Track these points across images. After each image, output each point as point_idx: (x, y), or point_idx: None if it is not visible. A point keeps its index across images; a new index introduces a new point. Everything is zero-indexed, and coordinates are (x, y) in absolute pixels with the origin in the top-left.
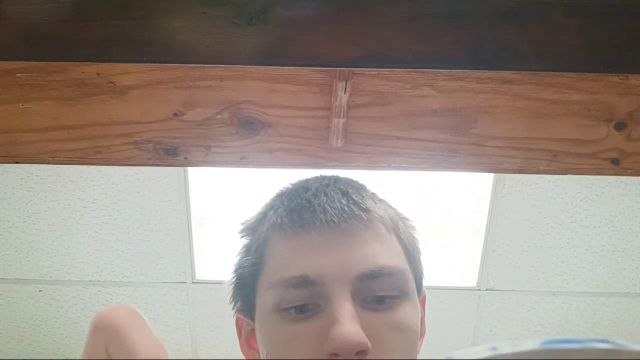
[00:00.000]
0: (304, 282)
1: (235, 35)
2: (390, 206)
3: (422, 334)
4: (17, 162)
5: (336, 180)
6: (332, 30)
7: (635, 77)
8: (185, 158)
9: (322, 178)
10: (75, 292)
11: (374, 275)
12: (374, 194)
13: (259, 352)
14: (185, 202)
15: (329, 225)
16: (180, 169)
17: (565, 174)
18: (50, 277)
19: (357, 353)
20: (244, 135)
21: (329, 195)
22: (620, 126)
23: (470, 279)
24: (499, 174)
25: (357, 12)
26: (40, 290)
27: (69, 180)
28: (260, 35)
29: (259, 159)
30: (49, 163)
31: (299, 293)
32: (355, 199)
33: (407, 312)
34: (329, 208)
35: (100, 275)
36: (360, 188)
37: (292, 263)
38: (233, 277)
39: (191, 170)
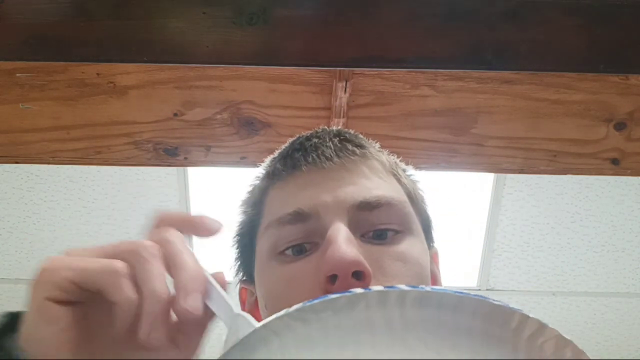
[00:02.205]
0: (297, 216)
1: (235, 35)
2: (389, 155)
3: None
4: (17, 162)
5: (329, 129)
6: (332, 30)
7: (635, 77)
8: (185, 158)
9: (314, 130)
10: None
11: (372, 204)
12: (371, 142)
13: None
14: (185, 202)
15: (321, 160)
16: (180, 169)
17: (565, 174)
18: None
19: (355, 274)
20: (244, 135)
21: (321, 137)
22: (620, 126)
23: (470, 279)
24: (499, 174)
25: (357, 12)
26: None
27: (69, 180)
28: (260, 35)
29: (259, 159)
30: (49, 163)
31: (294, 229)
32: (349, 137)
33: (412, 245)
34: (321, 146)
35: None
36: (355, 133)
37: (286, 202)
38: (234, 241)
39: (191, 170)
